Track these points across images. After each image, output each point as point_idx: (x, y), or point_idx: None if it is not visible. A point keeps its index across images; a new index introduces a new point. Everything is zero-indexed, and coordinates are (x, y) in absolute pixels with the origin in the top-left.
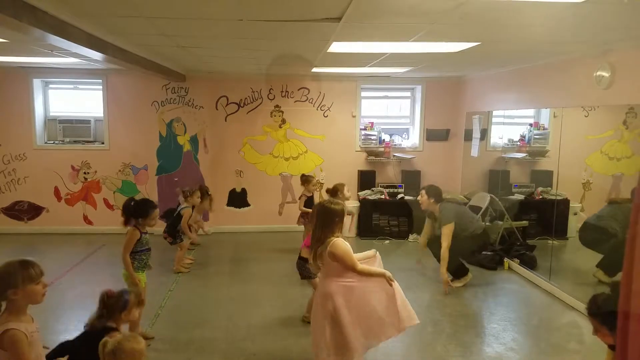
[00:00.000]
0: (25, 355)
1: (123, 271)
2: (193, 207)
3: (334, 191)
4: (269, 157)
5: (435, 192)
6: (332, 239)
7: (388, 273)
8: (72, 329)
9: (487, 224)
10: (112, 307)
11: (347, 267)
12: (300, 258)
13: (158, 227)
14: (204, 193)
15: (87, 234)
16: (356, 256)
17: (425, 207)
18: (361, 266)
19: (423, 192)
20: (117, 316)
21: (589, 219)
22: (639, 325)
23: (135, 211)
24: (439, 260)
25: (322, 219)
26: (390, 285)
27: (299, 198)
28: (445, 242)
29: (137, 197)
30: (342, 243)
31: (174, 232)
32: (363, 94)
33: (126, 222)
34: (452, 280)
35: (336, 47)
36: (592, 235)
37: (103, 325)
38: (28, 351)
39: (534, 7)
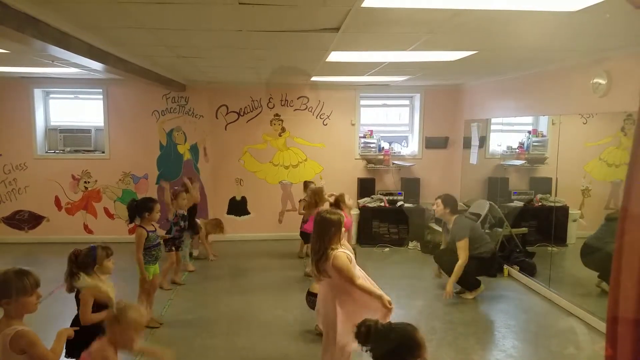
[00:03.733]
0: (46, 351)
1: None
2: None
3: (336, 202)
4: (269, 165)
5: (451, 202)
6: (333, 252)
7: (387, 297)
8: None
9: (487, 231)
10: (83, 263)
11: (346, 280)
12: (310, 294)
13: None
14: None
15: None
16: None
17: (439, 216)
18: (361, 281)
19: (439, 201)
20: (90, 270)
21: (588, 240)
22: (628, 330)
23: (139, 208)
24: (447, 272)
25: (319, 229)
26: (389, 308)
27: (299, 202)
28: (462, 257)
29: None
30: (342, 255)
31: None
32: (362, 102)
33: (131, 220)
34: (463, 293)
35: (335, 56)
36: (595, 258)
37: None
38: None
39: (529, 17)
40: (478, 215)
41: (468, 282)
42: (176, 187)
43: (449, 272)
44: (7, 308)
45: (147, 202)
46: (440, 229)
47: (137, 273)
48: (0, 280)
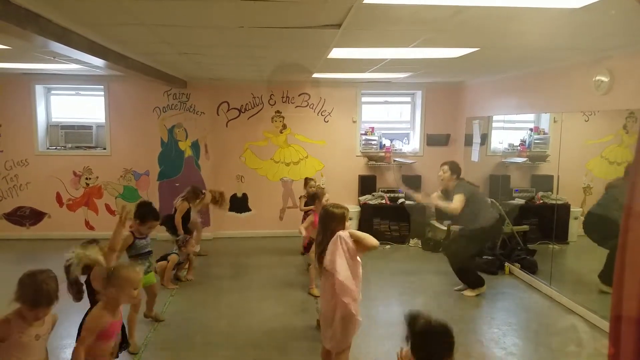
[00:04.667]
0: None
1: None
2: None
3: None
4: (270, 162)
5: (458, 170)
6: None
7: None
8: (74, 334)
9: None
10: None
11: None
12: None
13: (159, 231)
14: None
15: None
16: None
17: (445, 184)
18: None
19: (446, 167)
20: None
21: (591, 209)
22: (631, 328)
23: (137, 211)
24: (453, 264)
25: (323, 222)
26: None
27: (299, 199)
28: (453, 206)
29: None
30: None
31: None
32: (363, 99)
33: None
34: (465, 289)
35: (337, 53)
36: (597, 227)
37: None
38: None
39: (531, 14)
40: None
41: (470, 279)
42: (179, 238)
43: (454, 264)
44: (24, 312)
45: (145, 213)
46: (441, 227)
47: None
48: (26, 282)
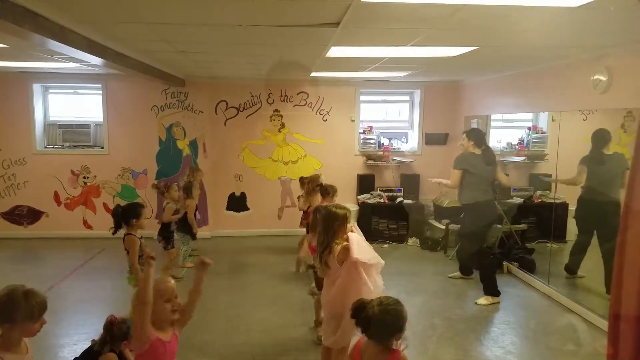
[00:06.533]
0: None
1: (127, 275)
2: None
3: (324, 191)
4: (268, 161)
5: (475, 135)
6: (339, 245)
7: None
8: (72, 332)
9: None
10: (114, 335)
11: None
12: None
13: (152, 229)
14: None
15: (87, 239)
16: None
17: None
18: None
19: (463, 135)
20: (117, 344)
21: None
22: (629, 327)
23: (126, 214)
24: (460, 259)
25: (324, 223)
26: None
27: (298, 199)
28: (450, 182)
29: (135, 201)
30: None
31: (166, 235)
32: (362, 98)
33: (116, 229)
34: (465, 279)
35: (335, 51)
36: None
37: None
38: None
39: (530, 13)
40: None
41: (489, 282)
42: (161, 184)
43: (462, 259)
44: (7, 333)
45: (135, 207)
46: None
47: (127, 290)
48: (8, 300)
